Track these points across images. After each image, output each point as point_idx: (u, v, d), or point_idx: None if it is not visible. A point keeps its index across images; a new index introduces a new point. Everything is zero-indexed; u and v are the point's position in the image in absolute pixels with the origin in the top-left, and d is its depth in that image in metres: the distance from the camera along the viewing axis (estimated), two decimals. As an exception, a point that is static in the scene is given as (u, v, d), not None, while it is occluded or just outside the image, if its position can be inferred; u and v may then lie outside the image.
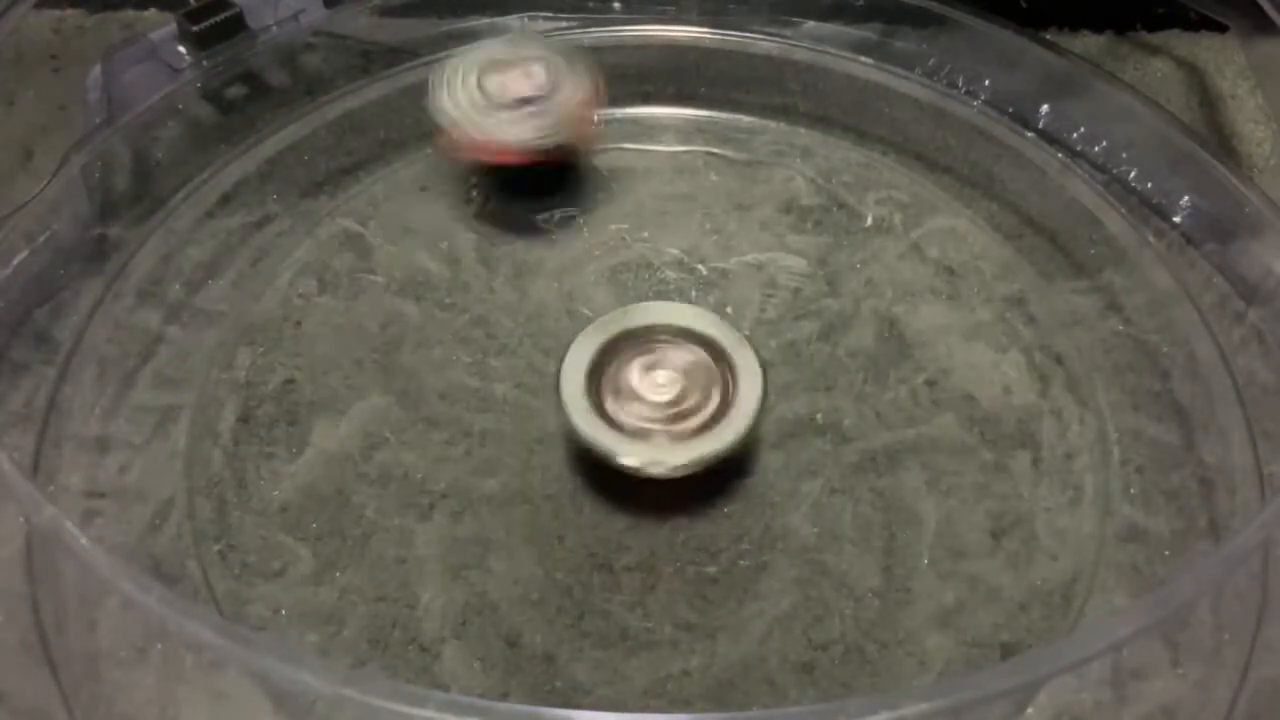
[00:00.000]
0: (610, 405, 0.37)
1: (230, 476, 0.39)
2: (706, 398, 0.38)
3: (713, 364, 0.38)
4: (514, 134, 0.43)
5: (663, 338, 0.39)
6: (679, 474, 0.36)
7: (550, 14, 0.53)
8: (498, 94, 0.44)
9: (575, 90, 0.44)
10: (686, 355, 0.39)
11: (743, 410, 0.37)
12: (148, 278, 0.44)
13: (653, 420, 0.37)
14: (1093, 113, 0.49)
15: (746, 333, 0.40)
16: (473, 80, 0.44)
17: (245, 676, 0.34)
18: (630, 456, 0.36)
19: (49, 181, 0.43)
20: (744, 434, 0.37)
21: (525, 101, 0.43)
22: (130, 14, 0.56)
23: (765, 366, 0.38)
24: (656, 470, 0.36)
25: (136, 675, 0.34)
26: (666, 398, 0.37)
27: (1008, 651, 0.35)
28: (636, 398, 0.38)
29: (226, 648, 0.26)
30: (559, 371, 0.38)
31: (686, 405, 0.37)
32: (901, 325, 0.43)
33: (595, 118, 0.45)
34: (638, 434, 0.37)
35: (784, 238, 0.46)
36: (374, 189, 0.48)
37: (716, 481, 0.38)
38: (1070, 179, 0.47)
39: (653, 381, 0.38)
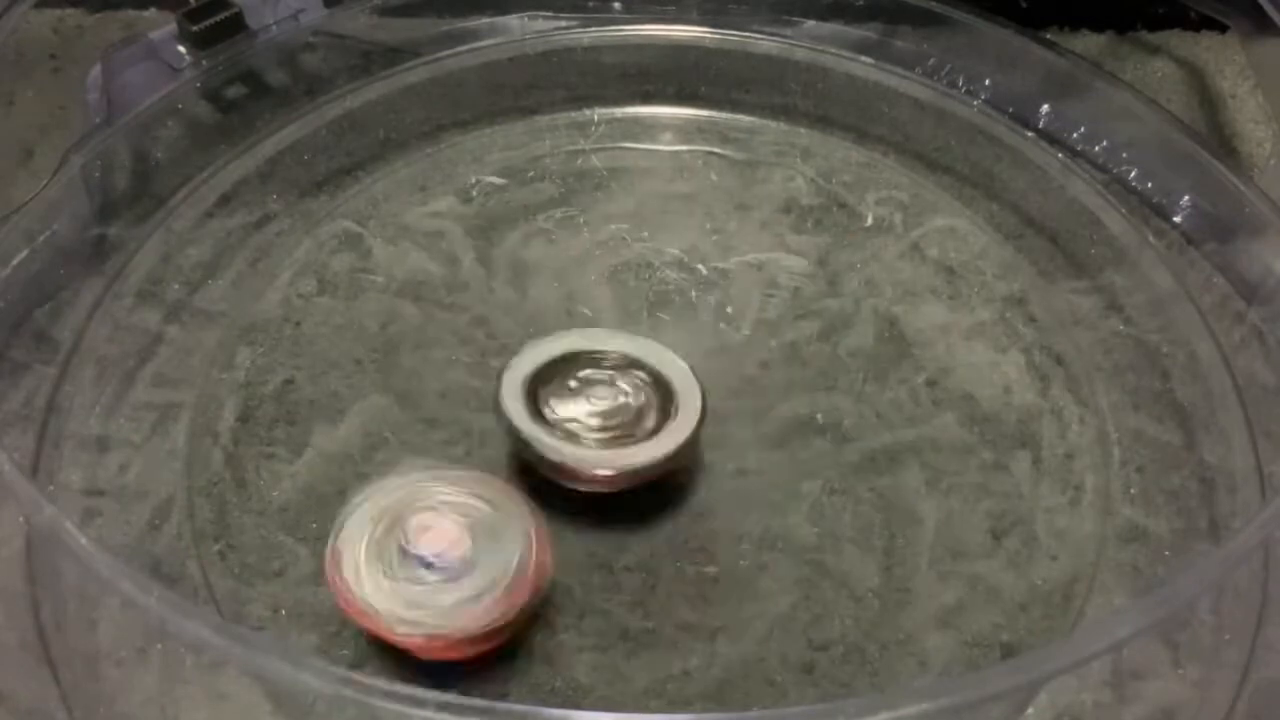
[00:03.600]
0: (547, 411, 0.37)
1: (230, 476, 0.39)
2: (640, 419, 0.37)
3: (652, 390, 0.38)
4: (449, 622, 0.31)
5: (606, 365, 0.38)
6: (608, 487, 0.36)
7: (550, 14, 0.53)
8: (407, 565, 0.32)
9: (516, 546, 0.33)
10: (626, 381, 0.38)
11: (677, 431, 0.36)
12: (148, 278, 0.44)
13: (587, 431, 0.37)
14: (1093, 113, 0.49)
15: (747, 332, 0.40)
16: (372, 544, 0.32)
17: (245, 676, 0.34)
18: (560, 458, 0.36)
19: (49, 181, 0.43)
20: (674, 452, 0.36)
21: (449, 570, 0.32)
22: (130, 14, 0.56)
23: (706, 397, 0.37)
24: (582, 470, 0.36)
25: (136, 675, 0.34)
26: (601, 409, 0.37)
27: (1008, 651, 0.35)
28: (572, 414, 0.37)
29: (226, 648, 0.26)
30: (498, 385, 0.37)
31: (620, 422, 0.37)
32: (901, 325, 0.43)
33: (546, 575, 0.33)
34: (570, 438, 0.36)
35: (784, 238, 0.46)
36: (374, 189, 0.48)
37: (716, 482, 0.38)
38: (1070, 179, 0.47)
39: (588, 400, 0.37)
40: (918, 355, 0.42)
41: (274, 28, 0.50)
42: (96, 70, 0.47)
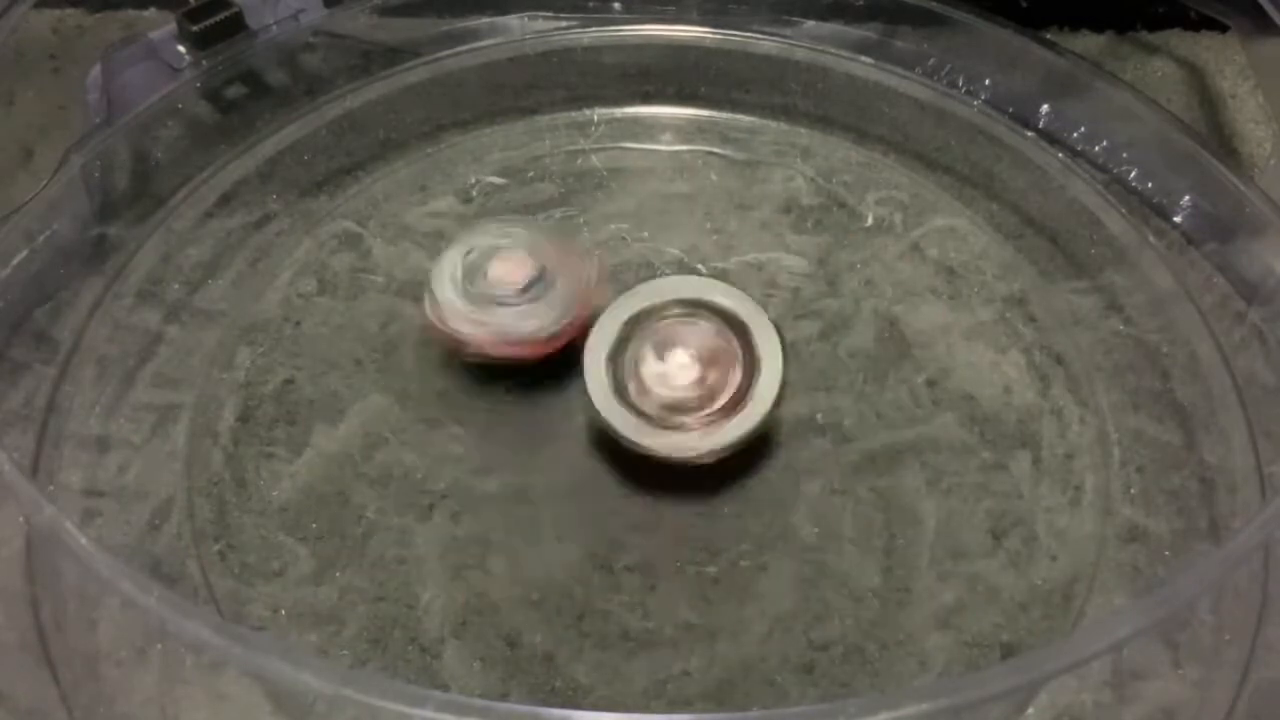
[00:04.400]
0: (635, 396, 0.37)
1: (230, 476, 0.39)
2: (729, 375, 0.37)
3: (733, 339, 0.38)
4: (521, 327, 0.39)
5: (680, 315, 0.39)
6: (710, 459, 0.37)
7: (550, 14, 0.53)
8: (495, 286, 0.39)
9: (576, 268, 0.40)
10: (706, 333, 0.38)
11: (765, 388, 0.37)
12: (148, 277, 0.44)
13: (678, 407, 0.37)
14: (1093, 113, 0.49)
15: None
16: (461, 274, 0.40)
17: (245, 676, 0.34)
18: (660, 446, 0.36)
19: (49, 181, 0.43)
20: (767, 414, 0.37)
21: (526, 290, 0.39)
22: (130, 13, 0.56)
23: (784, 339, 0.38)
24: (687, 454, 0.36)
25: (136, 675, 0.34)
26: (689, 380, 0.37)
27: (1008, 651, 0.35)
28: (662, 385, 0.37)
29: (226, 648, 0.26)
30: (582, 363, 0.38)
31: (709, 387, 0.37)
32: (901, 325, 0.43)
33: (599, 295, 0.40)
34: (665, 423, 0.37)
35: (784, 238, 0.46)
36: (374, 189, 0.48)
37: (717, 481, 0.38)
38: (1070, 179, 0.47)
39: (674, 365, 0.38)
40: (918, 355, 0.42)
41: (274, 28, 0.50)
42: (96, 70, 0.47)
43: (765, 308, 0.43)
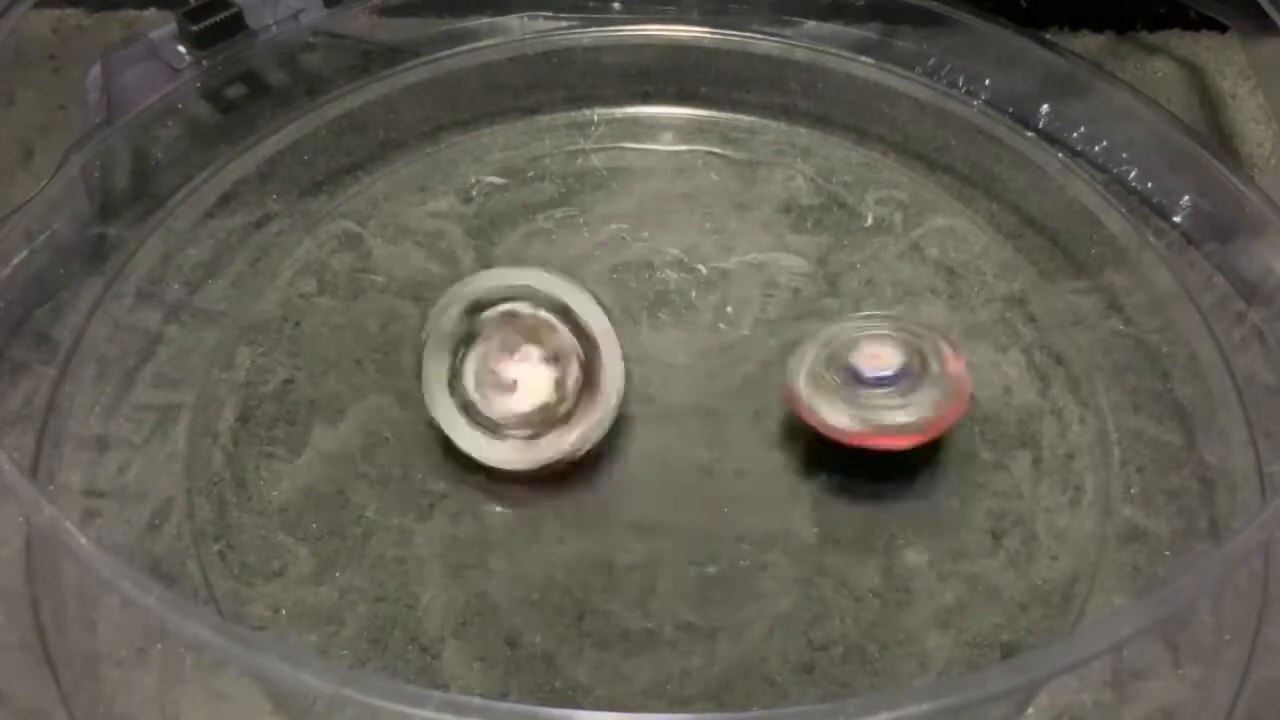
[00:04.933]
0: (479, 401, 0.38)
1: (230, 476, 0.39)
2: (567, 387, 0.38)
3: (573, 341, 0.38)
4: (888, 418, 0.37)
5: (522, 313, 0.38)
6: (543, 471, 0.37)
7: (550, 14, 0.53)
8: (863, 371, 0.38)
9: (947, 362, 0.38)
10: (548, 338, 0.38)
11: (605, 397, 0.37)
12: (147, 277, 0.44)
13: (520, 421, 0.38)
14: (1093, 113, 0.49)
15: (747, 332, 0.40)
16: (825, 357, 0.39)
17: (245, 676, 0.34)
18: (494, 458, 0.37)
19: (49, 181, 0.43)
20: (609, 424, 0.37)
21: (895, 379, 0.38)
22: (130, 13, 0.56)
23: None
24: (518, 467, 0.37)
25: (136, 675, 0.34)
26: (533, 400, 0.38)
27: (1008, 651, 0.35)
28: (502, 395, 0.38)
29: (226, 648, 0.26)
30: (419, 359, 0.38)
31: (552, 402, 0.38)
32: (901, 325, 0.43)
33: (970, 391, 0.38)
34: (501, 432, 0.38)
35: (784, 238, 0.46)
36: (374, 189, 0.48)
37: (716, 482, 0.38)
38: (1070, 179, 0.47)
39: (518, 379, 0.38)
40: (918, 355, 0.42)
41: (274, 28, 0.50)
42: (96, 70, 0.47)
43: (765, 308, 0.43)
